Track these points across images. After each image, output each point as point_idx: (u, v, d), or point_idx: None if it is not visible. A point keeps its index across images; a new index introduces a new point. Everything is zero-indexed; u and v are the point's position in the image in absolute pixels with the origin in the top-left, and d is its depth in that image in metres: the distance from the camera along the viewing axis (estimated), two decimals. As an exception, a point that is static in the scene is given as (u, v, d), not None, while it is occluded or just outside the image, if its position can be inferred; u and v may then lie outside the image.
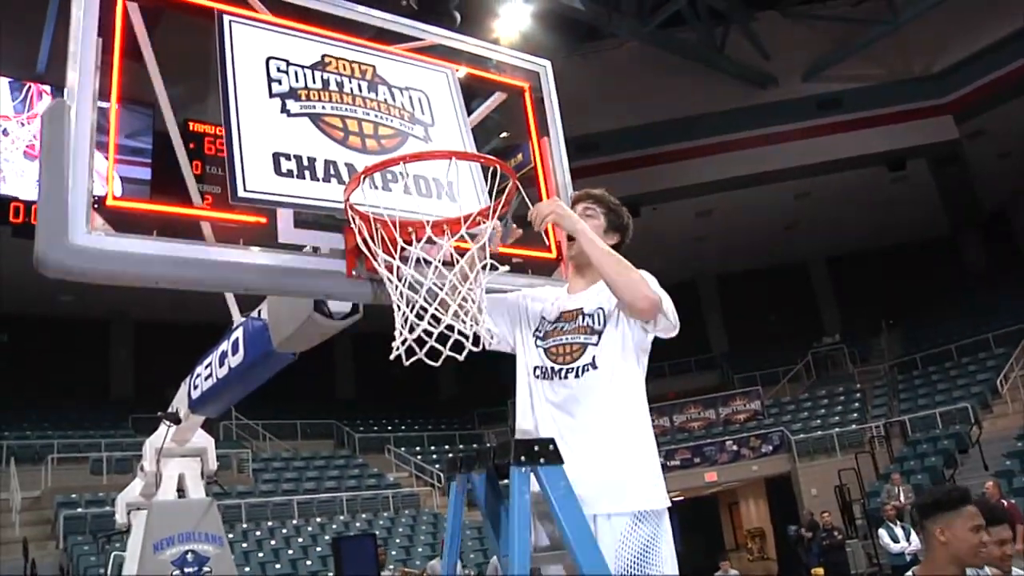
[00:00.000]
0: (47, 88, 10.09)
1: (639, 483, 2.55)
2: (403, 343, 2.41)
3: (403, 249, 2.47)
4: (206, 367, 4.56)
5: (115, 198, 2.56)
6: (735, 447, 21.37)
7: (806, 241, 26.59)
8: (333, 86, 3.02)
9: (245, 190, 2.62)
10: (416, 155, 2.69)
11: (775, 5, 22.00)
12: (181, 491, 5.36)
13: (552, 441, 2.38)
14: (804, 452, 20.35)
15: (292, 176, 2.74)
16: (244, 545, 15.87)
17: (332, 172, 2.84)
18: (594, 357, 2.65)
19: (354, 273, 2.85)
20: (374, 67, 3.19)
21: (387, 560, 13.93)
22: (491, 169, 2.61)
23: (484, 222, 2.56)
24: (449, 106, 3.36)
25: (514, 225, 2.71)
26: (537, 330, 2.81)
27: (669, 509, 2.61)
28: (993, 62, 20.70)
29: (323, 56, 3.08)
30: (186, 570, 4.97)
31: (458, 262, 2.48)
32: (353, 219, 2.58)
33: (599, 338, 2.67)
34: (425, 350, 2.39)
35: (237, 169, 2.63)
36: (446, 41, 3.61)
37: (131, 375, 25.17)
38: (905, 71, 22.09)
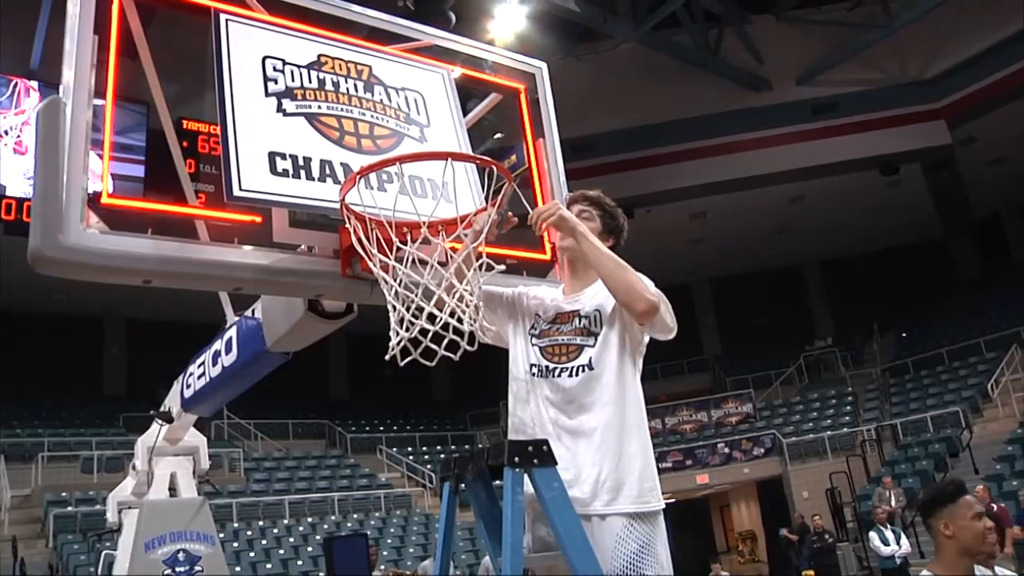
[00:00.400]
0: (35, 84, 10.06)
1: (635, 484, 2.55)
2: (399, 343, 2.41)
3: (398, 249, 2.47)
4: (199, 366, 4.54)
5: (110, 195, 2.56)
6: (727, 450, 21.41)
7: (799, 244, 26.63)
8: (329, 86, 3.02)
9: (240, 189, 2.62)
10: (412, 155, 2.69)
11: (770, 9, 22.03)
12: (173, 490, 5.34)
13: (546, 442, 2.38)
14: (796, 455, 20.38)
15: (287, 175, 2.74)
16: (235, 544, 15.84)
17: (328, 172, 2.84)
18: (591, 358, 2.65)
19: (349, 273, 2.85)
20: (370, 67, 3.19)
21: (378, 560, 13.91)
22: (487, 170, 2.61)
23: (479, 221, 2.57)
24: (445, 107, 3.36)
25: (510, 213, 2.71)
26: (533, 328, 2.81)
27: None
28: (986, 68, 20.76)
29: (319, 56, 3.08)
30: (177, 569, 4.95)
31: (454, 261, 2.48)
32: (348, 219, 2.58)
33: (596, 340, 2.67)
34: (420, 350, 2.39)
35: (232, 168, 2.63)
36: (442, 42, 3.61)
37: (123, 373, 25.10)
38: (899, 76, 22.14)
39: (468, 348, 2.42)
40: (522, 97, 3.79)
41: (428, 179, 2.91)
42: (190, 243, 2.68)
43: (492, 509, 2.52)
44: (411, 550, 17.20)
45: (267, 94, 2.86)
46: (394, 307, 2.48)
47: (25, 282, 15.10)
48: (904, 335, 25.43)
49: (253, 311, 3.78)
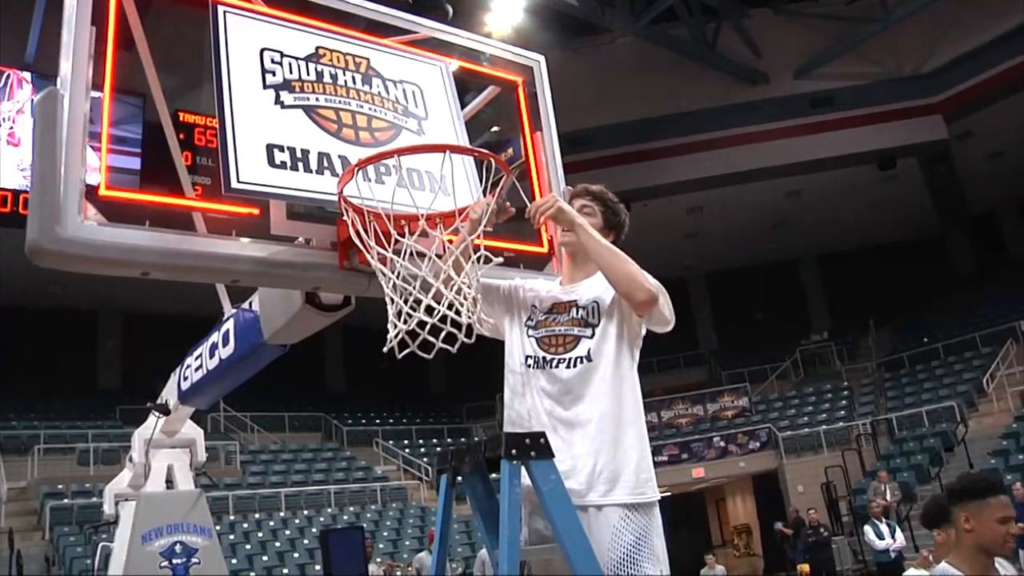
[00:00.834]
0: (27, 76, 10.01)
1: (632, 475, 2.55)
2: (396, 335, 2.42)
3: (396, 242, 2.47)
4: (196, 358, 4.55)
5: (108, 188, 2.56)
6: (723, 443, 21.44)
7: (796, 239, 26.63)
8: (327, 78, 3.02)
9: (238, 181, 2.62)
10: (410, 148, 2.69)
11: (767, 2, 22.01)
12: (170, 482, 5.35)
13: (543, 435, 2.38)
14: (791, 449, 20.41)
15: (285, 168, 2.74)
16: (231, 537, 15.84)
17: (326, 164, 2.84)
18: (589, 350, 2.65)
19: (347, 265, 2.85)
20: (368, 60, 3.19)
21: (374, 553, 13.92)
22: (484, 163, 2.61)
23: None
24: (443, 100, 3.36)
25: (508, 203, 2.71)
26: (529, 319, 2.80)
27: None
28: (983, 63, 20.75)
29: (317, 48, 3.07)
30: (174, 561, 4.96)
31: (452, 252, 2.48)
32: (346, 211, 2.58)
33: (594, 331, 2.67)
34: (418, 342, 2.39)
35: (230, 160, 2.62)
36: (440, 35, 3.61)
37: (119, 366, 25.03)
38: (896, 70, 22.14)
39: (466, 340, 2.43)
40: (520, 90, 3.79)
41: (426, 172, 2.91)
42: (188, 235, 2.69)
43: (489, 502, 2.52)
44: (407, 543, 17.22)
45: (265, 86, 2.86)
46: (392, 299, 2.48)
47: (21, 275, 15.08)
48: (900, 331, 25.48)
49: (250, 303, 3.78)
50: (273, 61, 2.91)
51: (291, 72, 2.93)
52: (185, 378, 4.74)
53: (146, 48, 3.06)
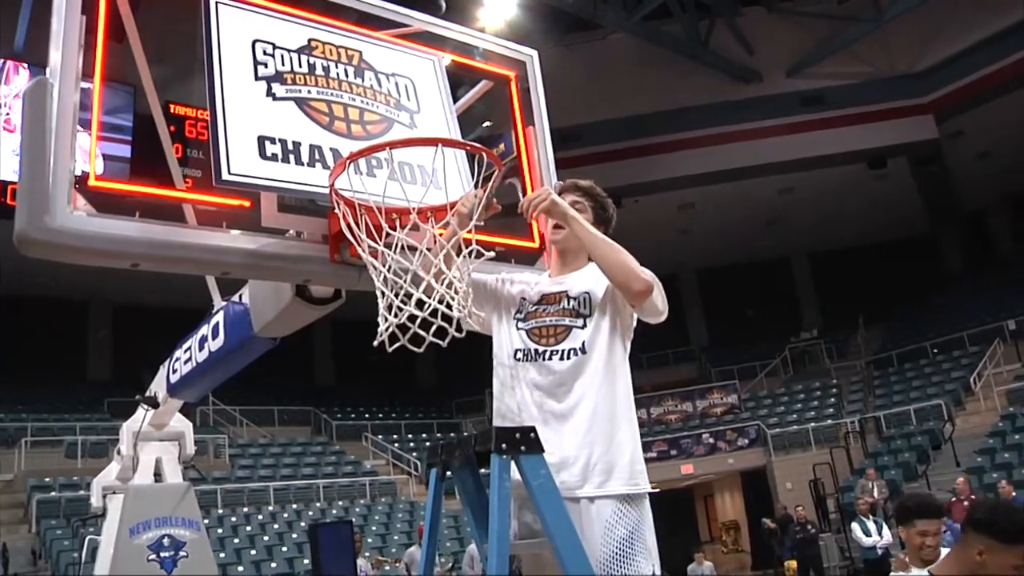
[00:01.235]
0: (24, 64, 9.94)
1: (626, 467, 2.56)
2: (387, 329, 2.41)
3: (387, 235, 2.47)
4: (185, 351, 4.53)
5: (97, 178, 2.54)
6: (711, 440, 21.50)
7: (787, 236, 26.70)
8: (319, 71, 3.01)
9: (229, 173, 2.61)
10: (402, 141, 2.68)
11: (761, 0, 22.05)
12: (158, 475, 5.33)
13: (533, 429, 2.37)
14: (780, 446, 20.49)
15: (277, 160, 2.73)
16: (220, 531, 15.82)
17: (317, 157, 2.83)
18: (583, 342, 2.65)
19: (337, 258, 2.84)
20: (361, 52, 3.17)
21: (363, 547, 13.92)
22: (476, 157, 2.61)
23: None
24: (435, 93, 3.35)
25: (495, 200, 2.71)
26: (518, 311, 2.80)
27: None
28: (974, 63, 20.84)
29: (310, 40, 3.06)
30: (162, 554, 4.94)
31: (443, 246, 2.48)
32: (337, 204, 2.58)
33: (586, 322, 2.67)
34: (408, 336, 2.39)
35: (222, 152, 2.61)
36: (433, 28, 3.59)
37: (108, 358, 24.95)
38: (888, 70, 22.21)
39: (456, 334, 2.42)
40: (512, 85, 3.78)
41: (418, 165, 2.91)
42: (178, 227, 2.67)
43: (479, 496, 2.53)
44: (396, 537, 17.22)
45: (257, 78, 2.84)
46: (383, 293, 2.47)
47: (9, 265, 14.99)
48: (889, 329, 25.57)
49: (240, 296, 3.76)
50: (265, 53, 2.90)
51: (283, 64, 2.92)
52: (174, 371, 4.72)
53: (137, 38, 3.04)
